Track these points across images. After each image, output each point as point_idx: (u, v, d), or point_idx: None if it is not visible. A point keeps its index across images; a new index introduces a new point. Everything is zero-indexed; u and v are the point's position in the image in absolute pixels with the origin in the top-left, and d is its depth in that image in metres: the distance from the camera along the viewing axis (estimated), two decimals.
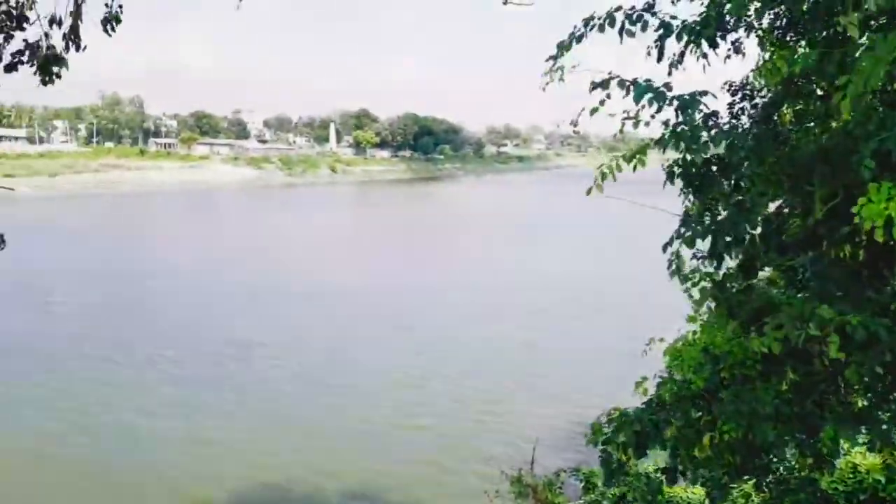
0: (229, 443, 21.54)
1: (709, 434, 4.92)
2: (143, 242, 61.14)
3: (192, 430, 22.37)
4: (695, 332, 6.15)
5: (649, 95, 4.80)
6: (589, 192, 4.93)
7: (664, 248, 5.54)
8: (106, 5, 7.69)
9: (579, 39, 5.24)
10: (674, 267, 5.55)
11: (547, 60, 5.28)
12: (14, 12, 6.97)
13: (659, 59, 5.50)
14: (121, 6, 7.89)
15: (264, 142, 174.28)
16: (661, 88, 4.86)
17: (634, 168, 5.16)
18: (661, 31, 5.26)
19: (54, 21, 7.02)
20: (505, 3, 8.24)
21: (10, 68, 7.08)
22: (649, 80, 4.89)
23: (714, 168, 5.43)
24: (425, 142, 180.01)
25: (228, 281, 43.27)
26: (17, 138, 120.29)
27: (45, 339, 30.88)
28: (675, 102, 4.92)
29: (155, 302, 38.21)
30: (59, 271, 44.68)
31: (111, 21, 8.46)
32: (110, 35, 8.04)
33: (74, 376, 26.52)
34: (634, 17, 5.18)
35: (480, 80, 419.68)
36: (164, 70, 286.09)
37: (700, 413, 5.19)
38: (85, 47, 7.42)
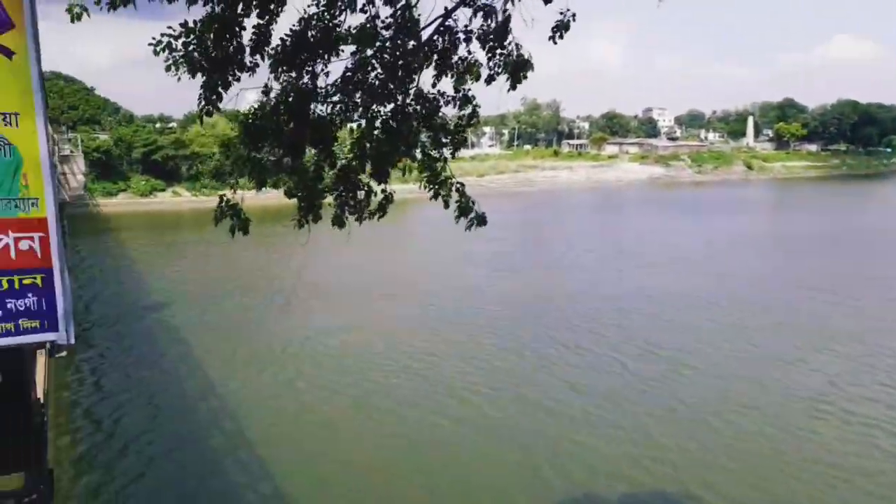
0: (620, 443, 20.34)
1: None
2: (551, 239, 63.66)
3: (582, 426, 21.35)
4: None
5: None
6: None
7: None
8: (561, 13, 7.31)
9: None
10: None
11: None
12: (492, 27, 7.24)
13: None
14: (574, 15, 7.36)
15: (674, 139, 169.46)
16: None
17: None
18: None
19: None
20: None
21: (489, 80, 7.56)
22: None
23: None
24: (867, 133, 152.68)
25: (635, 285, 41.56)
26: None
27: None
28: None
29: (565, 293, 38.64)
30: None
31: (561, 29, 7.64)
32: (556, 43, 7.61)
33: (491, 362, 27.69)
34: None
35: None
36: (578, 71, 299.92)
37: None
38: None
